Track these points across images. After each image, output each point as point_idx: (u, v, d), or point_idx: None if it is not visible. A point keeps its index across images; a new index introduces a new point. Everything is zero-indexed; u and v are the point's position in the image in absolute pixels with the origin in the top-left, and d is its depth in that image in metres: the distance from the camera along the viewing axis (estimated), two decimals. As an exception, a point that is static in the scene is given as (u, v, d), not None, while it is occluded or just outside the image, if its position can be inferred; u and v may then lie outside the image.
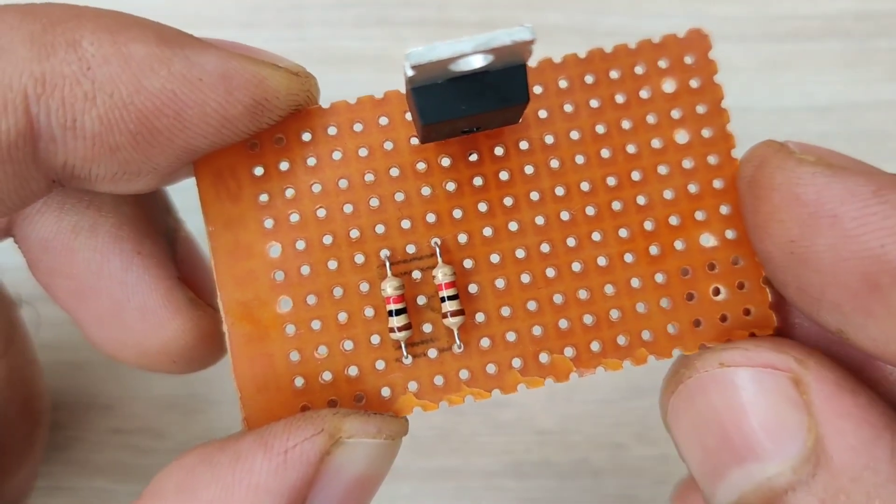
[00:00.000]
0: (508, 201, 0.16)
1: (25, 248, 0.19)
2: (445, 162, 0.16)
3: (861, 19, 0.31)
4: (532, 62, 0.16)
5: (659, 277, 0.16)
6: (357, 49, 0.31)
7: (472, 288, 0.16)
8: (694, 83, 0.16)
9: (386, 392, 0.16)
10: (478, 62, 0.13)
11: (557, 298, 0.16)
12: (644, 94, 0.16)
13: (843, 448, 0.13)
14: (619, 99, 0.16)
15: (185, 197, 0.19)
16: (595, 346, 0.16)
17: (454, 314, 0.16)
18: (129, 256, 0.18)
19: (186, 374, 0.20)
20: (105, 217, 0.18)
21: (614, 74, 0.16)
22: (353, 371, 0.16)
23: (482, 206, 0.16)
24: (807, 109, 0.31)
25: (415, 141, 0.16)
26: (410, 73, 0.13)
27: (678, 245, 0.16)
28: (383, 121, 0.16)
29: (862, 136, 0.31)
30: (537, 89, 0.16)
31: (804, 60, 0.31)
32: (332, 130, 0.16)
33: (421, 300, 0.16)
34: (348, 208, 0.16)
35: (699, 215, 0.16)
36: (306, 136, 0.16)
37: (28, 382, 0.24)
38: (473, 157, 0.16)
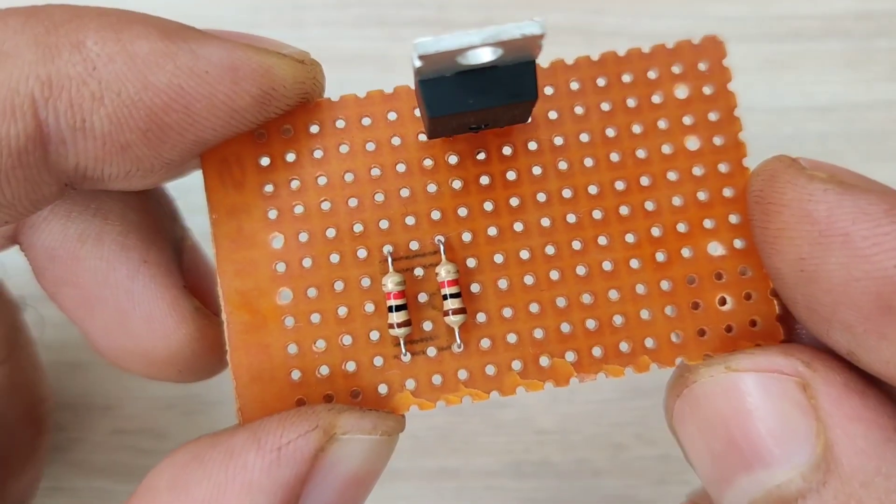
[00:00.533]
0: (515, 201, 0.16)
1: (31, 256, 0.19)
2: (453, 160, 0.16)
3: (861, 19, 0.31)
4: (541, 63, 0.16)
5: (665, 285, 0.16)
6: (357, 49, 0.31)
7: (475, 287, 0.16)
8: (707, 90, 0.16)
9: (383, 389, 0.16)
10: (486, 56, 0.13)
11: (560, 301, 0.16)
12: (656, 98, 0.16)
13: (853, 452, 0.13)
14: (631, 103, 0.16)
15: (188, 199, 0.19)
16: (597, 352, 0.16)
17: (456, 312, 0.16)
18: (136, 265, 0.18)
19: (192, 382, 0.20)
20: (111, 225, 0.18)
21: (627, 78, 0.16)
22: (350, 366, 0.16)
23: (488, 206, 0.16)
24: (807, 109, 0.31)
25: (423, 137, 0.16)
26: (418, 63, 0.13)
27: (685, 253, 0.16)
28: (392, 116, 0.16)
29: (862, 136, 0.30)
30: (548, 90, 0.16)
31: (804, 60, 0.31)
32: (340, 123, 0.16)
33: (422, 297, 0.16)
34: (353, 202, 0.16)
35: (708, 223, 0.16)
36: (314, 129, 0.16)
37: (31, 387, 0.23)
38: (481, 156, 0.16)
